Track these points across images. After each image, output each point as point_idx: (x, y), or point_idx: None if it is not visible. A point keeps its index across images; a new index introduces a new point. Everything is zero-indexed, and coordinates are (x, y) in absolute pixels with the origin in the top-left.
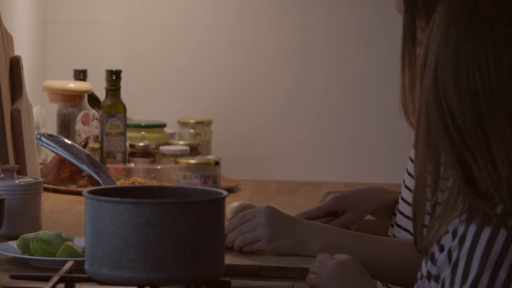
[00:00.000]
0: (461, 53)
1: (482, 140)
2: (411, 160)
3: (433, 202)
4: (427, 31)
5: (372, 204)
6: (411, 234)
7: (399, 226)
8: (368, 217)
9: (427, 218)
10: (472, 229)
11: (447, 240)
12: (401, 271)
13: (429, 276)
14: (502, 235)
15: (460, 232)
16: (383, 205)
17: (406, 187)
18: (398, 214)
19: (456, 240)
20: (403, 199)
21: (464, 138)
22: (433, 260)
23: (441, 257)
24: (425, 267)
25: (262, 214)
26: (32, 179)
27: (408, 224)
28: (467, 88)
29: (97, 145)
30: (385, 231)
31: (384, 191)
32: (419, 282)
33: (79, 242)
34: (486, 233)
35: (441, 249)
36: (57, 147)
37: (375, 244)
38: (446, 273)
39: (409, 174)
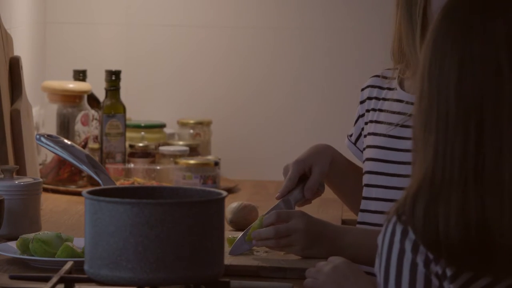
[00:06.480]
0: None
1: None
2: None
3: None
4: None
5: (328, 156)
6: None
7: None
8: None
9: None
10: None
11: None
12: None
13: None
14: None
15: None
16: (335, 160)
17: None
18: (368, 213)
19: None
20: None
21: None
22: None
23: None
24: None
25: (299, 222)
26: (31, 179)
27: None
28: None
29: (96, 146)
30: None
31: (330, 147)
32: None
33: (79, 243)
34: None
35: None
36: (56, 147)
37: None
38: None
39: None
